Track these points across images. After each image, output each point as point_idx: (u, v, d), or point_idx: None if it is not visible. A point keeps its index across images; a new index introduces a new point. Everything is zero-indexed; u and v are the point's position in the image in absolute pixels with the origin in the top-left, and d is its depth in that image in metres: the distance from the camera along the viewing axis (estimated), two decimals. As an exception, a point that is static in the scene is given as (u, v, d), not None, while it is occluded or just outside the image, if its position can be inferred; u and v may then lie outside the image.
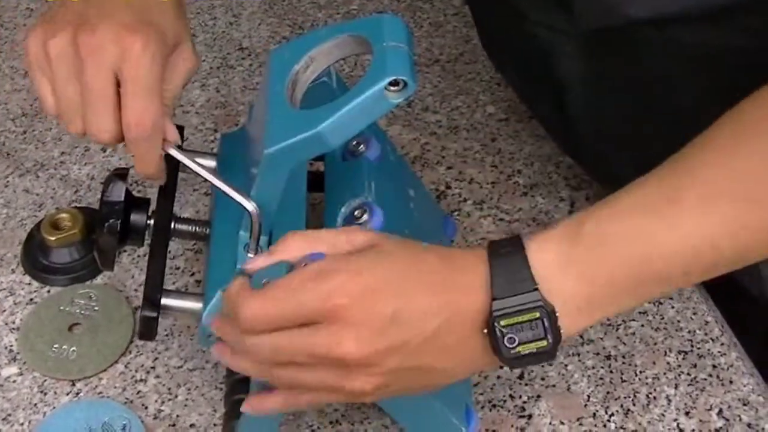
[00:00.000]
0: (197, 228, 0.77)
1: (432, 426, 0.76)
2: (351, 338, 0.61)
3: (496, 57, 0.99)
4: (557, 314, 0.63)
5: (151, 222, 0.75)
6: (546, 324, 0.63)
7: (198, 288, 0.89)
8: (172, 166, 0.76)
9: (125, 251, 0.93)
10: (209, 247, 0.75)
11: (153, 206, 0.77)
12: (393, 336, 0.62)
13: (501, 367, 0.80)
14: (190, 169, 0.72)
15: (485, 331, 0.63)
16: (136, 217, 0.75)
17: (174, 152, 0.72)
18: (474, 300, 0.64)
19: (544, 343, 0.63)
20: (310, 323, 0.62)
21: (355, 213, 0.74)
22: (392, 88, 0.63)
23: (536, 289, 0.63)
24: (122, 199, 0.74)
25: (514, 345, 0.63)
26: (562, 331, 0.63)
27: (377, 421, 0.81)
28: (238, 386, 0.76)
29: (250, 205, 0.69)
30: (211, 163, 0.79)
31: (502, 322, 0.63)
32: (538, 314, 0.63)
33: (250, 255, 0.70)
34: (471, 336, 0.64)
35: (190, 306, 0.72)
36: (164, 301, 0.71)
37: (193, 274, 0.91)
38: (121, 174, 0.75)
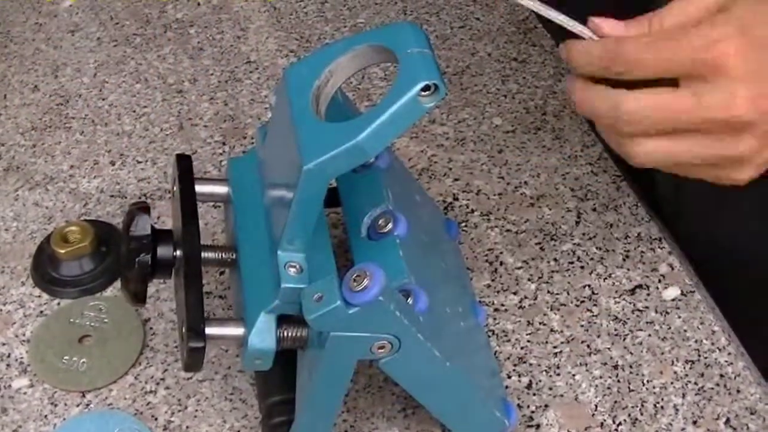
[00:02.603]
0: (223, 254, 0.77)
1: (477, 422, 0.77)
2: (743, 95, 0.58)
3: None
4: None
5: (178, 254, 0.75)
6: None
7: (230, 312, 0.89)
8: (189, 193, 0.76)
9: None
10: (240, 271, 0.75)
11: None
12: None
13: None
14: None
15: None
16: (163, 250, 0.75)
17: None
18: None
19: None
20: (689, 75, 0.60)
21: (379, 222, 0.75)
22: (424, 93, 0.64)
23: None
24: (149, 232, 0.74)
25: None
26: None
27: (386, 431, 0.82)
28: (276, 409, 0.77)
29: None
30: (223, 188, 0.79)
31: None
32: None
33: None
34: None
35: (233, 332, 0.71)
36: (208, 330, 0.70)
37: (223, 297, 0.92)
38: (143, 207, 0.75)
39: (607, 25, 0.65)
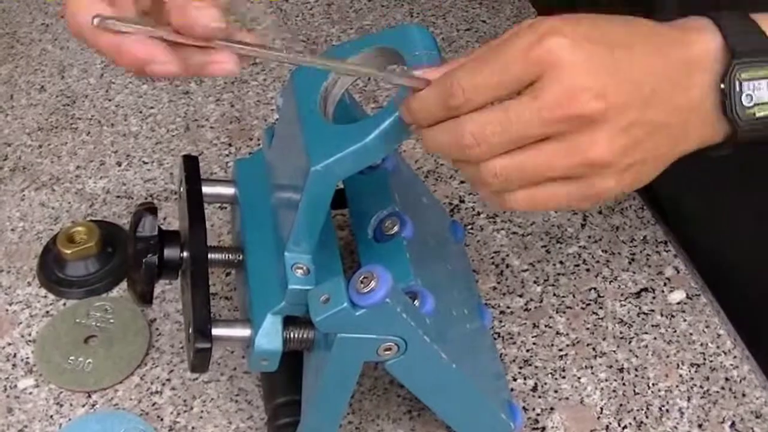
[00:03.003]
0: (230, 255, 0.77)
1: (483, 424, 0.77)
2: (582, 86, 0.56)
3: None
4: None
5: (185, 255, 0.75)
6: None
7: (236, 313, 0.89)
8: (195, 194, 0.76)
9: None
10: (246, 272, 0.75)
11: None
12: (621, 86, 0.57)
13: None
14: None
15: (723, 85, 0.59)
16: (170, 251, 0.75)
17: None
18: (709, 48, 0.59)
19: None
20: (527, 80, 0.56)
21: (386, 224, 0.75)
22: None
23: None
24: (156, 233, 0.74)
25: (750, 104, 0.58)
26: None
27: (391, 433, 0.82)
28: (281, 410, 0.77)
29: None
30: (230, 189, 0.79)
31: (743, 75, 0.58)
32: None
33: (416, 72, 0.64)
34: (703, 90, 0.60)
35: (239, 333, 0.71)
36: (214, 331, 0.70)
37: (228, 299, 0.92)
38: (150, 208, 0.75)
39: (430, 71, 0.62)
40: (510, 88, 0.57)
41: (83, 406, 0.85)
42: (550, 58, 0.56)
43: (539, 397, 0.84)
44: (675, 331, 0.88)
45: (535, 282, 0.92)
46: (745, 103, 0.58)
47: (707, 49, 0.59)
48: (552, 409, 0.83)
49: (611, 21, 0.60)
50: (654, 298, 0.91)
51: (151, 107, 1.12)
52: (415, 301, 0.71)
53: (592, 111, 0.56)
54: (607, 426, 0.82)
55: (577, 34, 0.57)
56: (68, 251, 0.92)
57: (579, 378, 0.85)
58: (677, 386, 0.84)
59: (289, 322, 0.71)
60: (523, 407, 0.83)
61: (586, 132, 0.57)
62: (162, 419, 0.83)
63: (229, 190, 0.79)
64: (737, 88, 0.58)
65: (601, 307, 0.90)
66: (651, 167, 0.62)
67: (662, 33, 0.61)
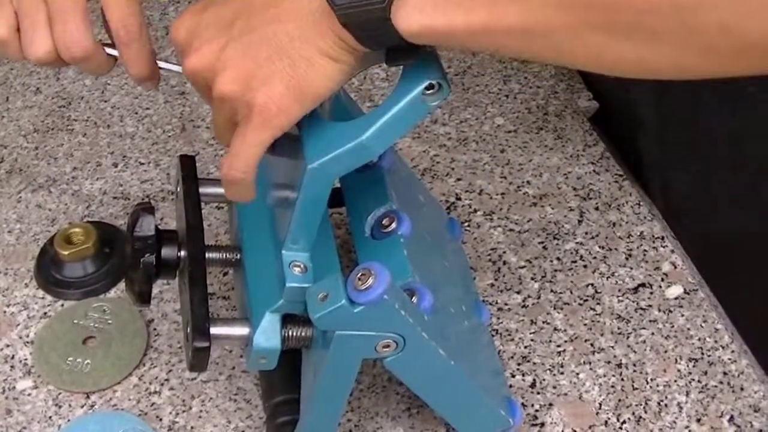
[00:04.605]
0: (227, 254, 0.77)
1: (482, 421, 0.77)
2: (192, 57, 0.66)
3: None
4: None
5: (182, 254, 0.75)
6: None
7: (234, 312, 0.89)
8: (193, 194, 0.76)
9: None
10: (245, 271, 0.75)
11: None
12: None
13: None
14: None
15: None
16: (167, 251, 0.75)
17: (162, 64, 0.78)
18: None
19: None
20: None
21: (383, 222, 0.75)
22: (428, 92, 0.64)
23: None
24: (153, 232, 0.74)
25: None
26: None
27: (391, 431, 0.82)
28: (280, 409, 0.77)
29: None
30: None
31: None
32: None
33: None
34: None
35: (238, 332, 0.71)
36: (213, 330, 0.70)
37: (227, 299, 0.92)
38: (148, 208, 0.75)
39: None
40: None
41: (82, 407, 0.85)
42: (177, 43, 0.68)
43: (538, 393, 0.84)
44: (673, 326, 0.88)
45: (532, 278, 0.92)
46: None
47: None
48: (551, 405, 0.83)
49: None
50: (651, 293, 0.91)
51: (147, 108, 1.12)
52: (413, 298, 0.71)
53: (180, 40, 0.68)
54: (606, 421, 0.82)
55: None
56: (65, 252, 0.92)
57: (577, 374, 0.85)
58: (675, 381, 0.84)
59: (287, 320, 0.71)
60: (522, 403, 0.83)
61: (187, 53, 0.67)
62: (161, 419, 0.83)
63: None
64: None
65: (598, 303, 0.90)
66: (267, 56, 0.65)
67: None
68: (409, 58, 0.63)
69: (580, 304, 0.90)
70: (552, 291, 0.91)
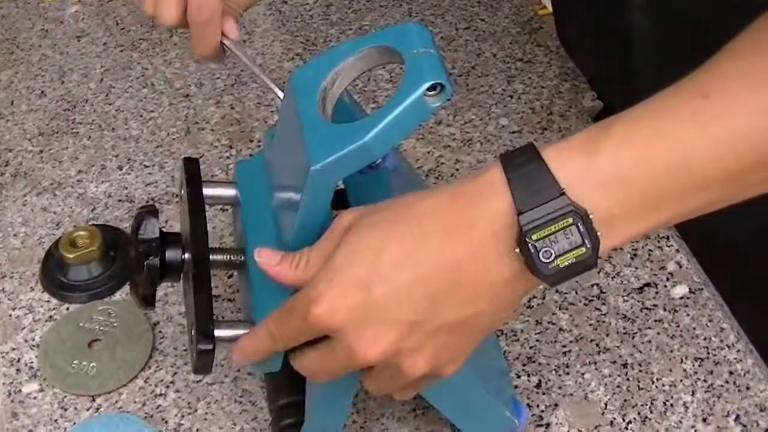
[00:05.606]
0: (232, 257, 0.77)
1: (487, 422, 0.77)
2: (363, 344, 0.61)
3: (561, 17, 1.01)
4: (591, 217, 0.58)
5: (186, 256, 0.75)
6: (581, 229, 0.58)
7: (239, 314, 0.89)
8: (197, 197, 0.76)
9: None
10: (248, 274, 0.75)
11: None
12: (412, 312, 0.61)
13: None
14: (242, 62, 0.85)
15: (517, 250, 0.59)
16: (171, 253, 0.75)
17: (228, 44, 0.84)
18: (498, 217, 0.59)
19: (582, 250, 0.58)
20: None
21: None
22: (430, 93, 0.64)
23: (563, 194, 0.58)
24: (158, 235, 0.74)
25: (551, 258, 0.58)
26: (599, 234, 0.58)
27: (396, 432, 0.82)
28: (285, 411, 0.77)
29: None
30: (231, 191, 0.79)
31: (534, 236, 0.58)
32: (570, 219, 0.58)
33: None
34: (501, 261, 0.60)
35: (242, 334, 0.70)
36: (217, 332, 0.70)
37: (232, 301, 0.92)
38: (152, 210, 0.75)
39: (265, 254, 0.67)
40: (310, 336, 0.64)
41: (87, 409, 0.85)
42: (323, 325, 0.62)
43: (543, 393, 0.84)
44: (678, 326, 0.88)
45: (537, 279, 0.92)
46: (544, 259, 0.59)
47: (500, 216, 0.60)
48: (556, 405, 0.83)
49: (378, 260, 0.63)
50: (657, 293, 0.91)
51: (152, 111, 1.12)
52: None
53: (373, 357, 0.62)
54: (612, 421, 0.82)
55: (336, 294, 0.62)
56: (71, 255, 0.92)
57: (583, 374, 0.85)
58: (681, 381, 0.84)
59: None
60: (528, 404, 0.83)
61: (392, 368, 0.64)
62: (166, 422, 0.83)
63: (230, 192, 0.79)
64: (532, 250, 0.59)
65: (604, 303, 0.90)
66: (463, 343, 0.66)
67: (441, 221, 0.62)
68: None
69: (586, 304, 0.90)
70: (557, 291, 0.91)
